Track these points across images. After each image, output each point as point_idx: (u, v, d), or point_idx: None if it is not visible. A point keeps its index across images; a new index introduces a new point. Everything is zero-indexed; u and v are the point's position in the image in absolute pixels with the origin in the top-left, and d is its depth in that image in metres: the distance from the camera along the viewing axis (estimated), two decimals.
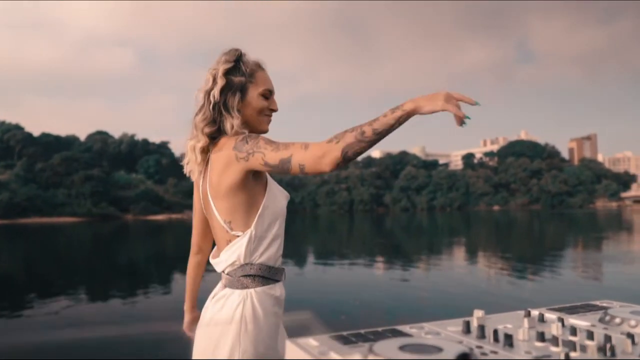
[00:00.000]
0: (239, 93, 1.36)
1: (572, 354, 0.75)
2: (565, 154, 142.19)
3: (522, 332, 0.84)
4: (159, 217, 71.37)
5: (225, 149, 1.30)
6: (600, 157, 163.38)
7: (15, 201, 63.01)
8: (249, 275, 1.32)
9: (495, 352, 0.76)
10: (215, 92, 1.36)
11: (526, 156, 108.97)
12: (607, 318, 0.96)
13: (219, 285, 1.39)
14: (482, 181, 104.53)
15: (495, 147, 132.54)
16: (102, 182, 71.60)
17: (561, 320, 0.92)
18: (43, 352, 4.93)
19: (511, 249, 17.79)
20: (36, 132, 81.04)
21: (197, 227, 1.53)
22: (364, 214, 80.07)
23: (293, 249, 15.66)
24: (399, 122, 1.14)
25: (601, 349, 0.76)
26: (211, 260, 1.41)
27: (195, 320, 1.46)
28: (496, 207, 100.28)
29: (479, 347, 0.79)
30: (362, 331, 0.85)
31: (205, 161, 1.38)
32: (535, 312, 1.02)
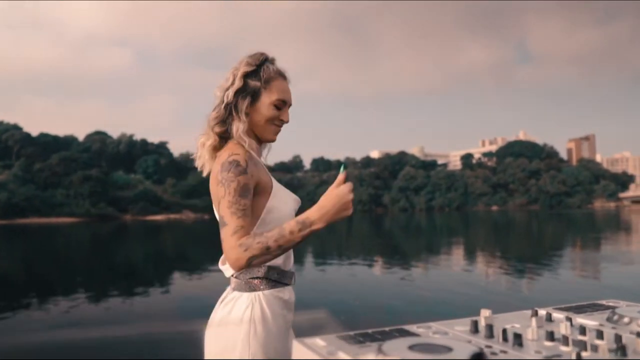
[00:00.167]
0: (249, 97, 1.36)
1: (583, 354, 0.74)
2: (563, 155, 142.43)
3: (531, 331, 0.84)
4: (158, 217, 71.30)
5: (220, 158, 1.32)
6: (598, 158, 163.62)
7: (13, 201, 62.91)
8: (257, 278, 1.33)
9: (505, 352, 0.76)
10: (230, 92, 1.36)
11: (525, 156, 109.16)
12: (616, 317, 0.96)
13: (228, 289, 1.40)
14: (480, 181, 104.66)
15: (493, 148, 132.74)
16: (100, 182, 71.53)
17: (569, 319, 0.92)
18: (42, 353, 4.93)
19: (511, 249, 17.81)
20: (34, 132, 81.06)
21: None
22: (363, 214, 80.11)
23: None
24: (305, 239, 1.21)
25: (612, 349, 0.76)
26: (220, 267, 1.42)
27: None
28: (495, 208, 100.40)
29: (488, 346, 0.78)
30: (370, 331, 0.84)
31: (214, 159, 1.39)
32: (542, 312, 1.02)
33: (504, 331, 0.82)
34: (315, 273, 11.01)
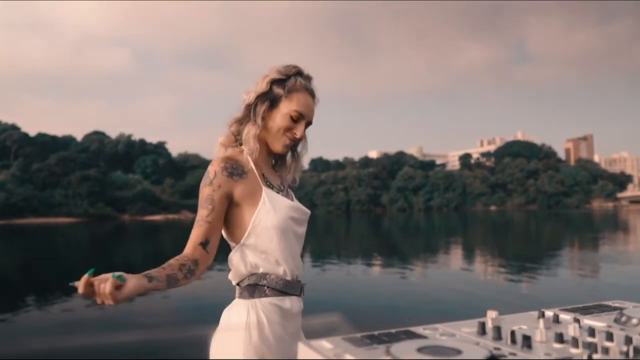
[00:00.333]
0: (268, 102, 1.37)
1: (594, 356, 0.73)
2: (561, 155, 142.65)
3: (540, 333, 0.83)
4: (156, 217, 71.24)
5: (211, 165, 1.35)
6: (596, 158, 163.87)
7: (11, 201, 62.82)
8: (256, 285, 1.34)
9: (514, 354, 0.75)
10: (252, 94, 1.38)
11: (523, 156, 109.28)
12: (624, 319, 0.95)
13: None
14: (479, 181, 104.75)
15: (492, 148, 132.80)
16: (98, 182, 71.45)
17: (577, 321, 0.91)
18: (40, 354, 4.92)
19: (511, 249, 17.83)
20: (32, 132, 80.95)
21: None
22: (361, 214, 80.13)
23: None
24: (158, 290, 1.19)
25: (622, 351, 0.75)
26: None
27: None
28: (493, 208, 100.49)
29: (497, 348, 0.77)
30: (376, 332, 0.84)
31: None
32: (549, 313, 1.01)
33: (513, 333, 0.81)
34: (314, 274, 11.00)
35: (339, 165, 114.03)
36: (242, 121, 1.40)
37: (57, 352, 4.95)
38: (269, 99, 1.37)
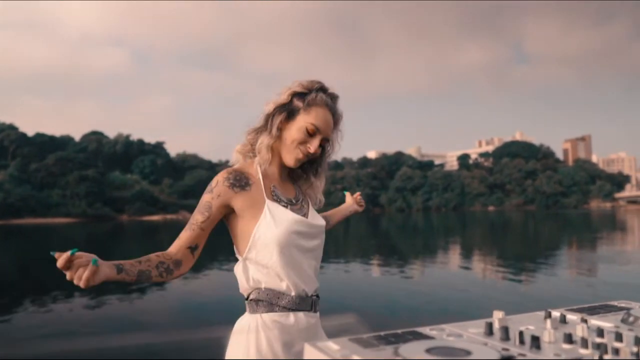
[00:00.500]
0: (285, 113, 1.37)
1: (605, 357, 0.73)
2: (559, 155, 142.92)
3: (548, 334, 0.82)
4: (155, 217, 71.20)
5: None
6: (594, 158, 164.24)
7: (9, 201, 62.71)
8: (257, 301, 1.33)
9: (523, 355, 0.74)
10: (272, 104, 1.38)
11: (521, 157, 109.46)
12: (631, 319, 0.94)
13: None
14: (477, 182, 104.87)
15: (490, 148, 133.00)
16: (97, 182, 71.37)
17: (585, 321, 0.90)
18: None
19: (510, 249, 17.85)
20: (30, 132, 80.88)
21: None
22: (360, 214, 79.99)
23: None
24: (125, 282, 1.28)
25: (633, 352, 0.75)
26: None
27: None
28: (491, 208, 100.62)
29: (505, 349, 0.77)
30: (382, 333, 0.83)
31: None
32: (555, 313, 1.00)
33: (521, 333, 0.80)
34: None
35: (337, 165, 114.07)
36: (259, 131, 1.40)
37: (57, 353, 4.94)
38: (287, 110, 1.37)
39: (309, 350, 0.78)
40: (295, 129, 1.36)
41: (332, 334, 1.09)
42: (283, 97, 1.38)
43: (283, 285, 1.32)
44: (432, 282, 9.82)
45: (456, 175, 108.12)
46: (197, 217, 1.34)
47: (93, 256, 1.16)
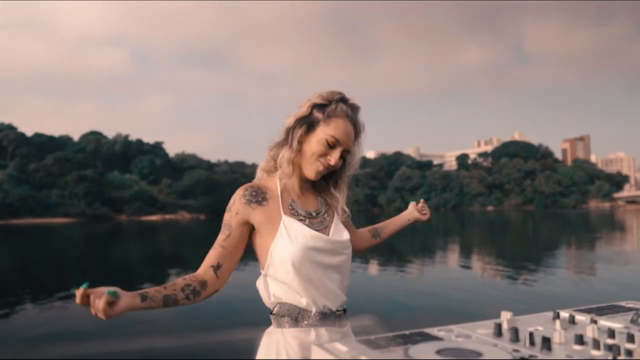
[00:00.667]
0: (306, 126, 1.35)
1: (618, 357, 0.72)
2: (558, 155, 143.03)
3: (559, 335, 0.82)
4: (153, 217, 71.12)
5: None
6: (593, 158, 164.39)
7: (7, 202, 62.60)
8: (280, 316, 1.33)
9: (534, 356, 0.74)
10: (292, 117, 1.37)
11: (520, 157, 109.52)
12: None
13: None
14: (476, 182, 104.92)
15: (489, 148, 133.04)
16: (95, 182, 71.26)
17: (594, 322, 0.89)
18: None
19: (510, 249, 17.85)
20: (29, 132, 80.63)
21: None
22: (359, 214, 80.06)
23: None
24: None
25: None
26: None
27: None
28: (490, 208, 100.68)
29: (516, 350, 0.76)
30: (390, 334, 0.83)
31: None
32: (564, 314, 0.99)
33: (531, 335, 0.80)
34: None
35: None
36: (281, 145, 1.39)
37: (57, 354, 4.93)
38: (307, 122, 1.35)
39: (316, 352, 0.77)
40: (315, 141, 1.34)
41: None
42: (303, 110, 1.36)
43: (303, 301, 1.31)
44: (432, 281, 9.82)
45: (455, 175, 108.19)
46: (220, 236, 1.35)
47: (111, 288, 1.15)
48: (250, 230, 1.36)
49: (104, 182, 73.74)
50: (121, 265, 14.32)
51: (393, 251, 17.39)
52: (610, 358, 0.70)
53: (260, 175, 1.45)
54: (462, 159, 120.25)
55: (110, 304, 1.13)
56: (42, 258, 16.99)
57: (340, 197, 1.46)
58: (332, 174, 1.45)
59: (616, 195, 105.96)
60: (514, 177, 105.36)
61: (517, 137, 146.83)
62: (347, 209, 1.47)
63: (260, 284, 1.36)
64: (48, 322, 6.61)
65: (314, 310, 1.32)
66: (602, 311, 1.04)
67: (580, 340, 0.79)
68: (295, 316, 1.31)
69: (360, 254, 1.69)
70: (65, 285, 10.23)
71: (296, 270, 1.29)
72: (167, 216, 72.62)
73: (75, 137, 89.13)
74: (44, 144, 78.78)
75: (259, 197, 1.35)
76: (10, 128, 79.24)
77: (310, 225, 1.35)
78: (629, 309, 1.05)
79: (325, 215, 1.42)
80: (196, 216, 72.29)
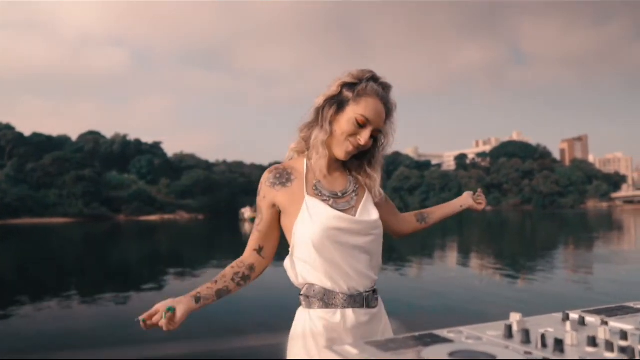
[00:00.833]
0: (335, 106, 1.33)
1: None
2: (556, 155, 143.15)
3: (571, 336, 0.80)
4: (152, 217, 71.07)
5: None
6: (591, 158, 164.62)
7: (6, 202, 62.51)
8: (307, 296, 1.33)
9: (547, 359, 0.73)
10: (322, 96, 1.35)
11: (518, 157, 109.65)
12: None
13: None
14: (474, 182, 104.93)
15: (487, 148, 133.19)
16: (94, 182, 71.18)
17: (605, 323, 0.88)
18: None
19: (509, 248, 17.87)
20: (27, 132, 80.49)
21: None
22: None
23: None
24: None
25: None
26: None
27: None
28: (488, 208, 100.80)
29: (528, 352, 0.75)
30: (400, 337, 0.82)
31: None
32: (573, 315, 0.98)
33: (543, 337, 0.78)
34: None
35: None
36: (311, 126, 1.38)
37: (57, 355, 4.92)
38: (336, 102, 1.33)
39: (327, 354, 0.77)
40: (345, 121, 1.32)
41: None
42: (332, 89, 1.34)
43: (327, 282, 1.30)
44: (431, 281, 9.82)
45: (453, 175, 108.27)
46: (256, 220, 1.40)
47: (168, 304, 1.23)
48: (278, 211, 1.37)
49: (102, 182, 73.66)
50: (120, 265, 14.30)
51: (392, 250, 17.39)
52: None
53: (290, 156, 1.44)
54: (460, 159, 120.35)
55: (170, 318, 1.21)
56: (40, 258, 16.96)
57: (377, 177, 1.43)
58: (365, 154, 1.42)
59: (614, 195, 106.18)
60: (512, 177, 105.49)
61: (515, 137, 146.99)
62: (382, 190, 1.44)
63: (287, 264, 1.37)
64: (48, 322, 6.60)
65: (339, 291, 1.31)
66: (611, 312, 1.02)
67: (593, 342, 0.78)
68: (322, 297, 1.30)
69: (403, 238, 1.68)
70: (65, 285, 10.22)
71: (317, 251, 1.28)
72: (166, 216, 72.57)
73: (74, 137, 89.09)
74: (42, 143, 78.64)
75: (282, 178, 1.35)
76: (8, 128, 79.08)
77: (335, 206, 1.33)
78: (638, 310, 1.04)
79: (353, 195, 1.39)
80: (195, 216, 72.29)
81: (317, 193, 1.34)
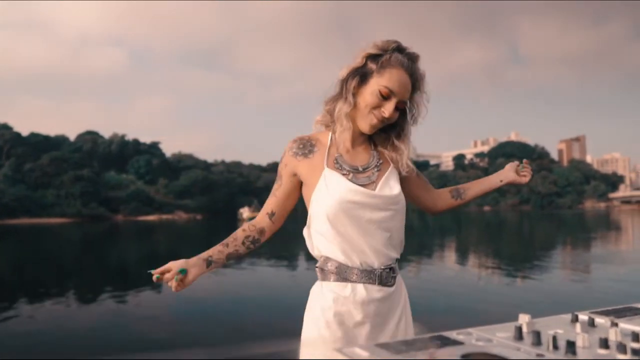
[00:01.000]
0: (359, 77, 1.30)
1: None
2: (554, 155, 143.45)
3: (582, 338, 0.79)
4: (150, 217, 70.98)
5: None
6: (589, 159, 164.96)
7: (3, 202, 62.37)
8: (322, 269, 1.32)
9: None
10: (346, 68, 1.32)
11: (516, 157, 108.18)
12: None
13: None
14: None
15: (485, 148, 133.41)
16: (92, 182, 71.05)
17: (615, 325, 0.88)
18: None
19: (509, 249, 17.88)
20: (25, 132, 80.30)
21: None
22: None
23: (289, 251, 15.63)
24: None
25: None
26: None
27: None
28: (487, 208, 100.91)
29: (539, 354, 0.74)
30: (409, 339, 0.81)
31: None
32: (582, 317, 0.96)
33: (554, 338, 0.77)
34: (309, 274, 10.99)
35: None
36: (335, 99, 1.35)
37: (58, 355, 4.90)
38: (360, 74, 1.30)
39: (335, 356, 0.76)
40: (368, 93, 1.29)
41: None
42: (357, 61, 1.31)
43: (340, 255, 1.29)
44: (431, 280, 9.82)
45: (452, 175, 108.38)
46: (274, 185, 1.41)
47: (181, 265, 1.30)
48: (299, 180, 1.37)
49: (100, 182, 73.54)
50: (118, 265, 14.27)
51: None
52: None
53: (316, 129, 1.43)
54: (458, 159, 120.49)
55: (181, 280, 1.29)
56: (38, 258, 16.92)
57: (406, 149, 1.39)
58: (393, 126, 1.38)
59: (612, 195, 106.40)
60: None
61: (513, 137, 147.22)
62: (411, 164, 1.40)
63: (305, 234, 1.38)
64: (46, 322, 6.58)
65: (352, 265, 1.28)
66: (620, 313, 1.01)
67: (604, 344, 0.76)
68: (336, 270, 1.29)
69: (438, 215, 1.61)
70: (63, 285, 10.19)
71: (332, 224, 1.27)
72: (164, 216, 72.48)
73: (72, 137, 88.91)
74: (39, 143, 78.47)
75: (306, 149, 1.35)
76: (6, 128, 78.90)
77: (354, 180, 1.30)
78: None
79: (375, 170, 1.35)
80: (193, 216, 72.21)
81: (338, 167, 1.32)
